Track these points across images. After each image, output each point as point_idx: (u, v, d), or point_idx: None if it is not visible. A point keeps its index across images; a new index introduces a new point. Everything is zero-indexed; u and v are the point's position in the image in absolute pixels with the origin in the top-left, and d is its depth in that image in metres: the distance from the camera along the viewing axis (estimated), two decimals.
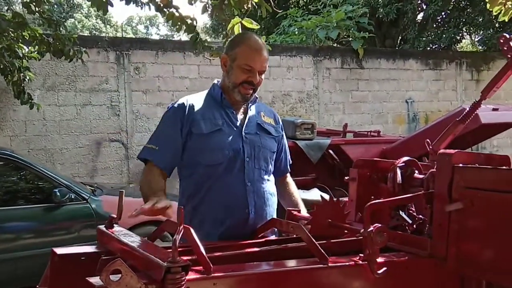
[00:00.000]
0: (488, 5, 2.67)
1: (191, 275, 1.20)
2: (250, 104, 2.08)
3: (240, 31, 3.13)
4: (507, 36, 1.94)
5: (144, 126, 7.17)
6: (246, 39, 2.02)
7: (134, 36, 26.96)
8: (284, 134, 2.22)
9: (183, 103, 1.98)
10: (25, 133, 6.44)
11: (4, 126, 6.33)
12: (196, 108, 1.97)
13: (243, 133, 1.98)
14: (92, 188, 4.70)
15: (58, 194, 4.07)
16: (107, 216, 4.49)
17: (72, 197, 4.21)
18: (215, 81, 2.11)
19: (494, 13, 2.71)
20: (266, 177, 2.03)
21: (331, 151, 5.39)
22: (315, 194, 4.55)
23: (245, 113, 2.06)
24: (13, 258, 3.96)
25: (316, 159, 5.10)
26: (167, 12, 3.93)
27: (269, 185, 2.05)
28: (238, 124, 2.00)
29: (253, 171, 1.96)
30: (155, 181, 1.86)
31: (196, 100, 2.01)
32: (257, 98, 2.12)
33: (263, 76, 2.00)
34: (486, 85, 2.05)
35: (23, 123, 6.43)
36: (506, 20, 2.72)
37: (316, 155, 5.10)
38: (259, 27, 3.20)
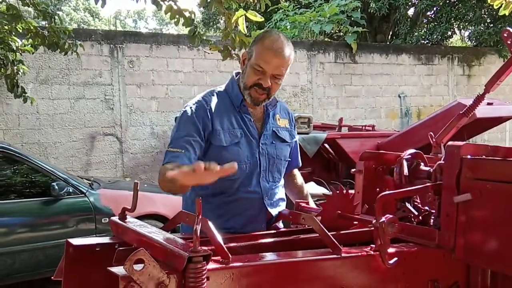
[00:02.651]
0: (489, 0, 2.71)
1: (211, 265, 1.21)
2: (269, 110, 1.96)
3: (244, 24, 3.12)
4: (511, 30, 1.97)
5: (138, 120, 7.14)
6: (265, 37, 1.83)
7: (125, 30, 26.74)
8: (296, 133, 2.14)
9: (203, 105, 1.84)
10: (19, 126, 6.39)
11: None
12: (215, 112, 1.84)
13: (260, 144, 1.89)
14: (90, 182, 4.68)
15: (56, 187, 4.05)
16: (105, 210, 4.51)
17: (70, 190, 4.19)
18: (234, 75, 1.97)
19: (496, 7, 2.74)
20: (279, 184, 2.00)
21: (326, 145, 5.42)
22: (311, 188, 4.58)
23: (262, 119, 1.95)
24: (11, 252, 3.94)
25: (312, 153, 5.11)
26: (164, 5, 3.91)
27: (281, 192, 2.02)
28: (255, 134, 1.89)
29: (268, 183, 1.92)
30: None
31: (214, 101, 1.87)
32: (277, 101, 2.01)
33: (280, 82, 1.85)
34: (490, 78, 2.08)
35: (16, 116, 6.37)
36: (507, 14, 2.75)
37: (312, 149, 5.11)
38: (263, 19, 3.20)
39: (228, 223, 1.84)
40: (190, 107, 1.86)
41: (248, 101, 1.87)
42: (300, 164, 2.23)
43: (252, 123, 1.90)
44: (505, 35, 2.00)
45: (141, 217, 4.14)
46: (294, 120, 2.15)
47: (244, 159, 1.84)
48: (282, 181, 2.05)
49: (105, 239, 1.53)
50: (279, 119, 2.00)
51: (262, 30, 2.33)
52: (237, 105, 1.89)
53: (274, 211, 1.93)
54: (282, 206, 2.00)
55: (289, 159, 2.06)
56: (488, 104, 4.62)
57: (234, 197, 1.84)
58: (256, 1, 3.47)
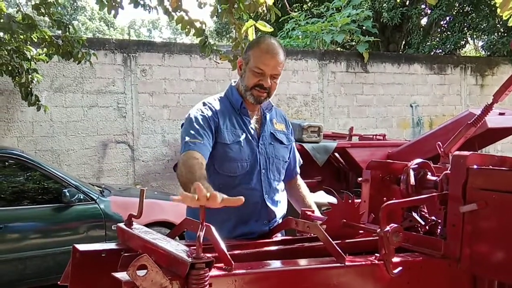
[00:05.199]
0: (498, 10, 2.70)
1: (214, 272, 1.22)
2: (266, 113, 2.06)
3: (254, 34, 3.15)
4: None
5: (150, 128, 7.20)
6: (259, 42, 1.98)
7: (138, 39, 27.01)
8: (293, 138, 2.22)
9: (209, 106, 1.96)
10: (32, 134, 6.48)
11: (11, 127, 6.37)
12: (219, 113, 1.95)
13: (259, 144, 1.99)
14: (100, 189, 4.73)
15: (67, 194, 4.10)
16: (115, 217, 4.55)
17: (81, 197, 4.24)
18: (232, 83, 2.09)
19: (505, 18, 2.74)
20: (279, 186, 2.06)
21: (337, 154, 5.41)
22: (321, 197, 4.57)
23: (260, 121, 2.06)
24: (22, 258, 3.99)
25: (322, 162, 5.11)
26: (176, 15, 3.96)
27: (281, 194, 2.08)
28: (254, 134, 2.00)
29: (269, 183, 1.99)
30: (198, 166, 1.69)
31: (217, 104, 1.99)
32: (272, 105, 2.11)
33: (277, 81, 1.97)
34: (498, 88, 2.07)
35: (30, 124, 6.46)
36: None
37: (322, 158, 5.11)
38: (272, 30, 3.22)
39: (231, 221, 1.89)
40: (198, 109, 1.96)
41: (251, 101, 1.97)
42: (299, 172, 2.27)
43: (251, 124, 2.01)
44: None
45: (151, 225, 4.16)
46: (291, 126, 2.23)
47: (245, 157, 1.94)
48: (282, 184, 2.11)
49: (111, 245, 1.55)
50: (276, 123, 2.11)
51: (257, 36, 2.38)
52: (237, 108, 2.01)
53: (275, 209, 1.99)
54: (283, 207, 2.07)
55: (288, 161, 2.13)
56: (500, 114, 4.58)
57: (235, 193, 1.81)
58: (266, 12, 3.50)
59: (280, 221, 2.04)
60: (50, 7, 4.80)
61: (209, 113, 1.93)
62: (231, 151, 1.91)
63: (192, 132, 1.85)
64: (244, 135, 1.96)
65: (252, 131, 2.00)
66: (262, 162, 1.98)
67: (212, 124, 1.90)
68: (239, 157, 1.92)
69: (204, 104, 1.99)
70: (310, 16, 11.35)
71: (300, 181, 2.27)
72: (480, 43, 14.36)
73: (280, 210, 2.04)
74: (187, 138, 1.83)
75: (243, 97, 2.00)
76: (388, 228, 1.49)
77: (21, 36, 5.00)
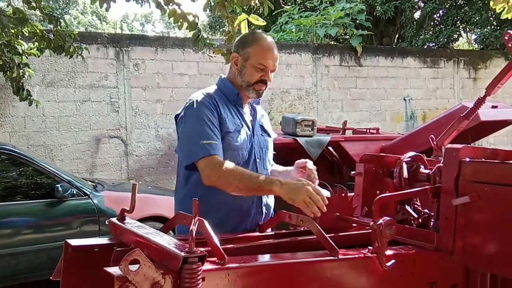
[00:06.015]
0: (491, 3, 2.70)
1: (207, 266, 1.22)
2: (254, 106, 2.12)
3: (247, 28, 3.13)
4: None
5: (143, 122, 7.17)
6: (258, 39, 2.01)
7: (131, 33, 26.86)
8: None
9: (210, 98, 1.95)
10: (25, 129, 6.44)
11: (3, 122, 6.32)
12: (219, 103, 1.96)
13: (253, 134, 2.04)
14: (94, 184, 4.70)
15: (60, 189, 4.07)
16: (108, 212, 4.53)
17: (74, 192, 4.21)
18: (222, 76, 2.11)
19: (498, 11, 2.74)
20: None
21: (330, 148, 5.41)
22: None
23: (251, 113, 2.10)
24: (15, 253, 3.96)
25: (316, 155, 5.10)
26: (168, 9, 3.93)
27: None
28: (249, 124, 2.04)
29: (262, 173, 2.01)
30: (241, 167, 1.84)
31: (216, 95, 1.99)
32: (259, 99, 2.14)
33: (273, 74, 2.03)
34: (490, 81, 2.08)
35: (22, 119, 6.42)
36: (509, 18, 2.75)
37: (316, 152, 5.11)
38: (265, 23, 3.21)
39: (223, 212, 1.91)
40: (201, 103, 1.93)
41: (253, 96, 2.02)
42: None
43: (245, 115, 2.06)
44: (506, 38, 2.01)
45: (145, 219, 4.16)
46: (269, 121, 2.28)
47: (244, 146, 1.98)
48: None
49: (104, 240, 1.55)
50: (261, 117, 2.18)
51: (249, 32, 2.39)
52: (233, 99, 2.04)
53: (267, 199, 2.05)
54: (272, 198, 2.10)
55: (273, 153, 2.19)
56: (493, 107, 4.60)
57: None
58: (259, 5, 3.48)
59: (272, 212, 2.08)
60: (41, 1, 4.75)
61: (212, 105, 1.93)
62: (233, 140, 1.94)
63: (206, 132, 1.86)
64: (241, 125, 2.00)
65: (247, 122, 2.05)
66: (256, 151, 2.02)
67: (216, 117, 1.92)
68: (240, 146, 1.95)
69: (204, 96, 1.97)
70: (304, 9, 11.33)
71: None
72: (473, 37, 14.42)
73: (271, 200, 2.09)
74: (203, 141, 1.83)
75: (239, 90, 2.02)
76: (381, 221, 1.49)
77: (12, 30, 4.95)
